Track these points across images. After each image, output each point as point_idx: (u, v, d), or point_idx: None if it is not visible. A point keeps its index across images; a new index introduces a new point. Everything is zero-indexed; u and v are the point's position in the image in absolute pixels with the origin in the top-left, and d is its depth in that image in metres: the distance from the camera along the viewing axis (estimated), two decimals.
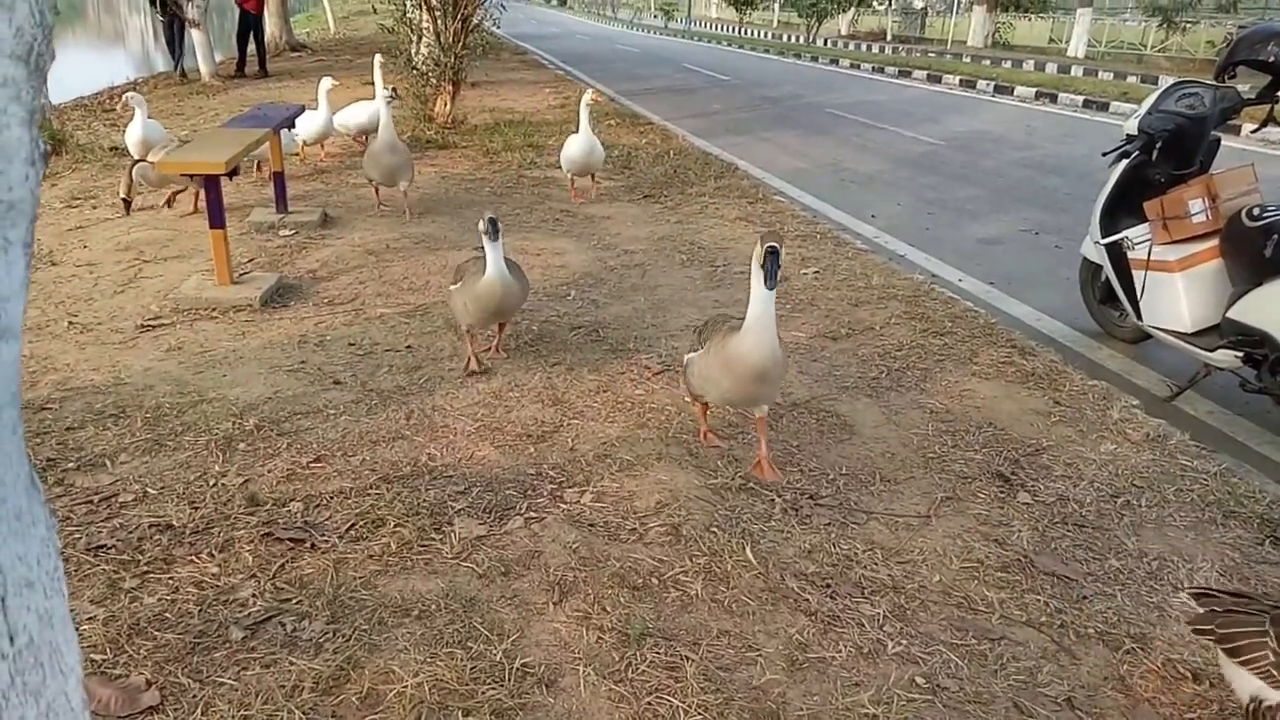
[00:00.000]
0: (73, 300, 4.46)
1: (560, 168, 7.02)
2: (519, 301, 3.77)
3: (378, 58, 8.03)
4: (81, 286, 4.67)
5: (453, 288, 3.74)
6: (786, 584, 2.48)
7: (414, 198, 6.49)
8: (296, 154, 7.63)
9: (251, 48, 14.70)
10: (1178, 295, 3.94)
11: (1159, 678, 2.19)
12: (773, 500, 2.88)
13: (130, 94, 6.58)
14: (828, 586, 2.48)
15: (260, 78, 14.28)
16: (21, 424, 0.50)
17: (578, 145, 6.69)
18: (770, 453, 3.08)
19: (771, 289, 2.59)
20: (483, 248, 3.55)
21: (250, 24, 14.51)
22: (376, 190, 6.44)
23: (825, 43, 32.44)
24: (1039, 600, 2.46)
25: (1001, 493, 3.00)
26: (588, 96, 6.70)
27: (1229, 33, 21.47)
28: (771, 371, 2.76)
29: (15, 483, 0.49)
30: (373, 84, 6.87)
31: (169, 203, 6.21)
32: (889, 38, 33.38)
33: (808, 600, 2.41)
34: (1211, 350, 3.77)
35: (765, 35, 37.60)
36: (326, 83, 7.52)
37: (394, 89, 6.08)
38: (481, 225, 3.49)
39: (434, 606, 2.33)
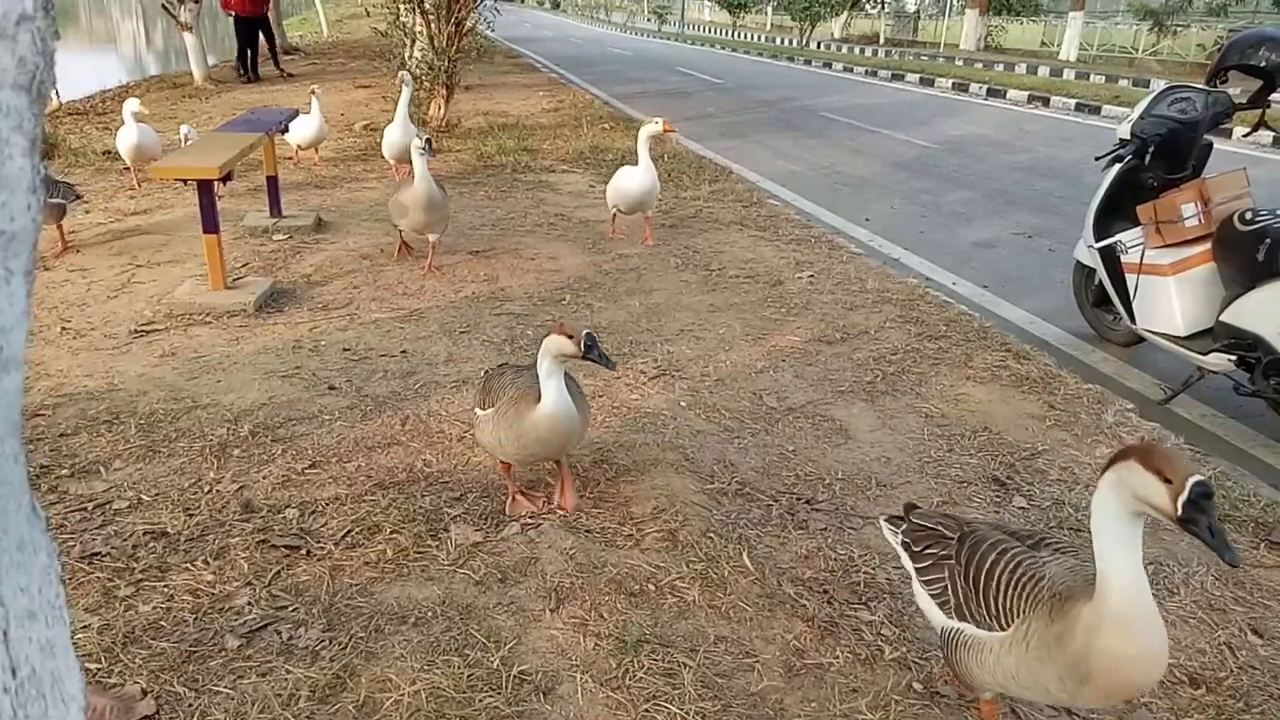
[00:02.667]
0: (65, 305, 4.45)
1: (608, 203, 5.93)
2: (581, 438, 2.81)
3: (404, 75, 7.32)
4: (74, 291, 4.65)
5: (481, 413, 2.73)
6: (784, 590, 2.48)
7: (437, 245, 5.33)
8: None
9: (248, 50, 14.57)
10: (1171, 299, 3.95)
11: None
12: (769, 506, 2.88)
13: (128, 101, 6.58)
14: (825, 592, 2.48)
15: (279, 78, 14.08)
16: (24, 453, 0.50)
17: (636, 180, 5.68)
18: None
19: (1234, 564, 1.53)
20: (528, 365, 2.65)
21: (243, 28, 14.27)
22: (402, 238, 5.38)
23: (819, 46, 32.50)
24: None
25: (997, 497, 3.00)
26: (652, 128, 5.57)
27: (1220, 36, 21.59)
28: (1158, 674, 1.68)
29: (18, 512, 0.49)
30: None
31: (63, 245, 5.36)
32: (882, 41, 33.47)
33: (805, 606, 2.41)
34: (1205, 354, 3.78)
35: (759, 38, 37.66)
36: (315, 90, 7.68)
37: (429, 139, 4.88)
38: (559, 344, 2.43)
39: (430, 614, 2.33)
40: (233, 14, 13.97)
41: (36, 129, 0.47)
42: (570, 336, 2.41)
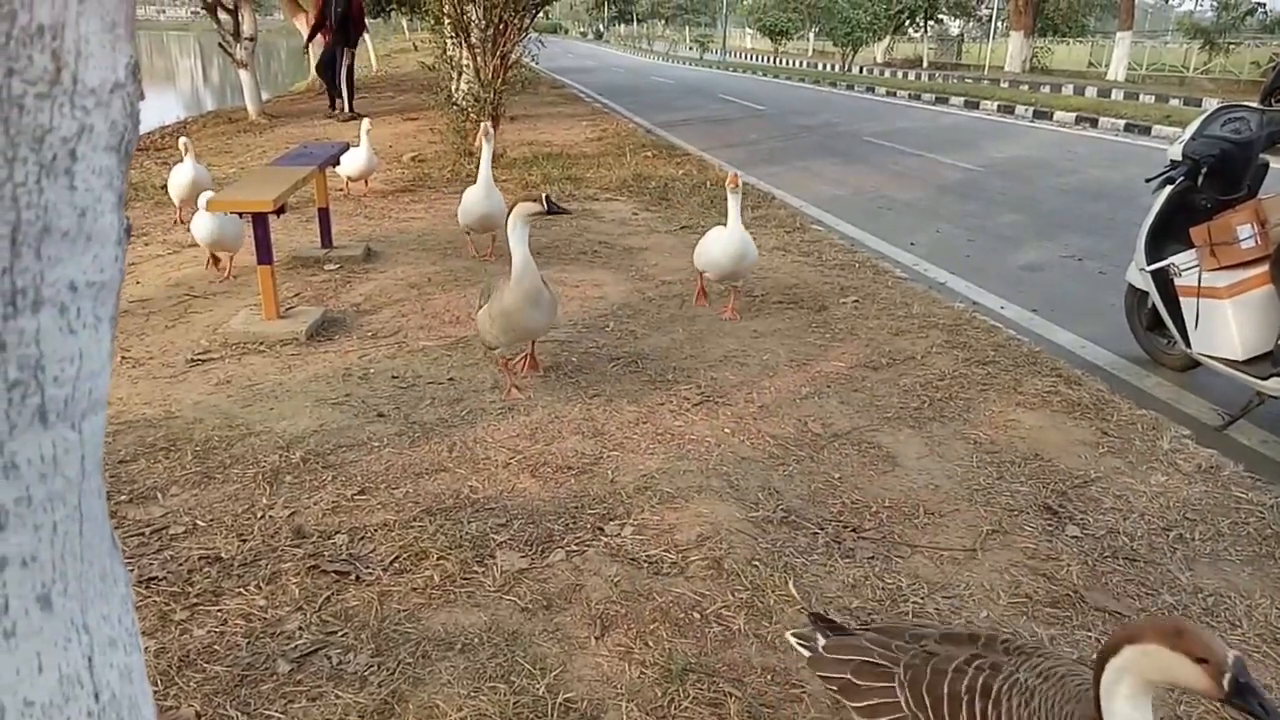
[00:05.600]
0: (125, 335, 4.58)
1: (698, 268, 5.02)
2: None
3: (486, 126, 5.97)
4: (134, 322, 4.79)
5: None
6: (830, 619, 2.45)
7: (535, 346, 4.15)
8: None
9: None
10: (1228, 322, 3.86)
11: (1219, 719, 2.12)
12: (815, 534, 2.86)
13: (183, 139, 6.71)
14: (873, 622, 2.44)
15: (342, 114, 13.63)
16: (104, 488, 0.53)
17: (723, 244, 4.70)
18: None
19: None
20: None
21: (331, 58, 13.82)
22: (508, 366, 4.06)
23: (861, 70, 32.50)
24: (1090, 637, 2.40)
25: (1049, 526, 2.94)
26: (730, 181, 4.72)
27: (1274, 53, 21.16)
28: None
29: (101, 544, 0.52)
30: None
31: None
32: (925, 64, 33.35)
33: None
34: (1264, 378, 3.68)
35: (800, 64, 37.77)
36: (365, 123, 7.77)
37: (546, 196, 3.52)
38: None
39: (477, 640, 2.34)
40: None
41: (124, 186, 0.51)
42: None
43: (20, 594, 0.47)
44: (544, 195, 3.49)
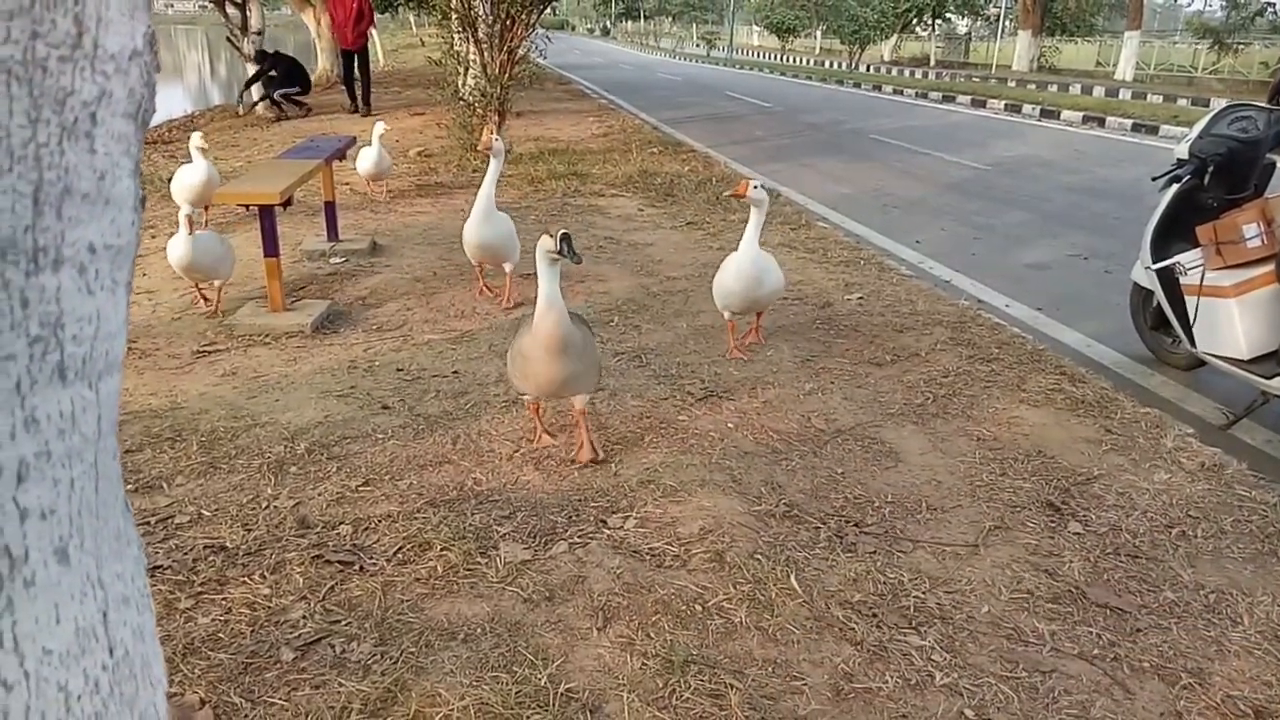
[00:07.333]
0: (132, 327, 4.58)
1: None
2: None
3: (497, 142, 4.92)
4: (140, 313, 4.81)
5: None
6: (832, 613, 2.46)
7: (586, 414, 3.38)
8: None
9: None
10: (1233, 321, 3.86)
11: (1219, 715, 2.13)
12: (817, 528, 2.87)
13: (194, 134, 6.63)
14: (874, 616, 2.45)
15: (361, 114, 13.51)
16: (119, 450, 0.54)
17: (734, 269, 4.13)
18: None
19: None
20: None
21: (349, 60, 13.93)
22: (535, 409, 3.44)
23: (868, 69, 32.46)
24: (1091, 632, 2.41)
25: (1052, 522, 2.95)
26: (756, 192, 4.06)
27: None
28: None
29: (115, 504, 0.53)
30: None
31: None
32: (932, 63, 33.30)
33: (854, 630, 2.39)
34: (1269, 377, 3.68)
35: (807, 62, 37.72)
36: (379, 127, 7.62)
37: (567, 236, 2.94)
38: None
39: (480, 630, 2.36)
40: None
41: (140, 154, 0.52)
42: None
43: (39, 545, 0.48)
44: (561, 232, 2.97)
